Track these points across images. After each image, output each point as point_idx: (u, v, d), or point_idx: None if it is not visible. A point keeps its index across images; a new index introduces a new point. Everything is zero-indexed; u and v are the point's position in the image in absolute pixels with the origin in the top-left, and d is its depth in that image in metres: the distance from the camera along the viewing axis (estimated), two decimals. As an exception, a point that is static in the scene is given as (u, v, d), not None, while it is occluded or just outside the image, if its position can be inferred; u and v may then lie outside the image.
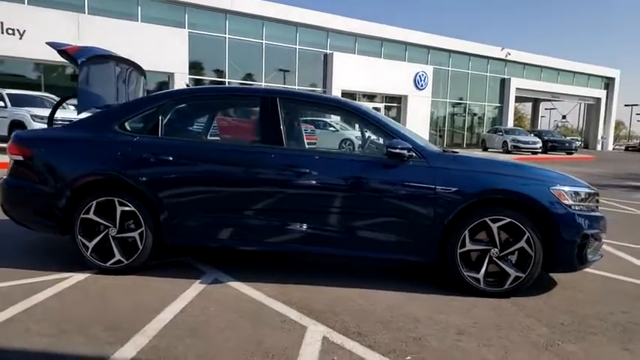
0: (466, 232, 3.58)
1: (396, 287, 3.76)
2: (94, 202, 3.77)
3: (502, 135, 27.56)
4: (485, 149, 28.32)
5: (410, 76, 28.40)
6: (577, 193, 3.66)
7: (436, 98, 30.71)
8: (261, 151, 3.76)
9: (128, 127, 3.92)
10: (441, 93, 31.11)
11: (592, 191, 3.80)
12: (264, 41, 24.00)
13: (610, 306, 3.53)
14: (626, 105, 71.04)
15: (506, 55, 34.05)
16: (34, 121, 11.31)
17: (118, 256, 3.79)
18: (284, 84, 24.95)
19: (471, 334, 2.96)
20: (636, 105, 75.20)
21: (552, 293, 3.77)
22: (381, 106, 28.07)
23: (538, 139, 26.70)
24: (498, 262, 3.60)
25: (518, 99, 38.48)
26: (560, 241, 3.54)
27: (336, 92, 25.50)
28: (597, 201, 3.84)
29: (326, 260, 4.48)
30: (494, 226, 3.56)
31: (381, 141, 4.32)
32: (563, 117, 50.33)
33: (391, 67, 27.53)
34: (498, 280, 3.62)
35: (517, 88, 35.08)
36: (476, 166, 3.72)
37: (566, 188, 3.64)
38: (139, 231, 3.77)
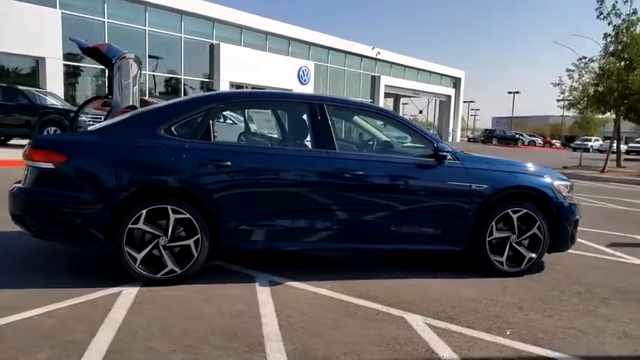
0: (493, 222, 4.17)
1: (433, 275, 4.22)
2: (144, 211, 3.58)
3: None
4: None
5: (294, 71, 29.10)
6: (567, 186, 4.49)
7: (317, 93, 31.89)
8: (316, 155, 3.91)
9: (175, 132, 3.77)
10: (321, 88, 32.37)
11: (570, 183, 4.66)
12: (147, 28, 22.64)
13: (597, 276, 4.42)
14: (464, 102, 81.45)
15: (377, 54, 36.63)
16: None
17: (170, 266, 3.65)
18: (170, 74, 23.83)
19: (529, 308, 3.55)
20: (472, 102, 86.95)
21: (548, 270, 4.54)
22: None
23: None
24: (516, 246, 4.26)
25: (386, 95, 41.65)
26: (561, 227, 4.33)
27: (223, 84, 25.11)
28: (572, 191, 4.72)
29: (355, 256, 4.77)
30: (515, 217, 4.21)
31: (391, 142, 4.75)
32: (420, 112, 55.66)
33: (277, 61, 27.92)
34: (516, 262, 4.29)
35: (385, 85, 38.00)
36: (498, 166, 4.35)
37: (563, 182, 4.45)
38: (195, 238, 3.67)
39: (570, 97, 18.81)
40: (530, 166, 4.53)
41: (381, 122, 4.44)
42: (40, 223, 3.65)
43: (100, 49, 3.87)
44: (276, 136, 4.44)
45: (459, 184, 4.10)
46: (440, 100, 49.20)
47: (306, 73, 29.70)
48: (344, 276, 4.08)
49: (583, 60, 16.93)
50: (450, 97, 48.13)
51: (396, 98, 51.18)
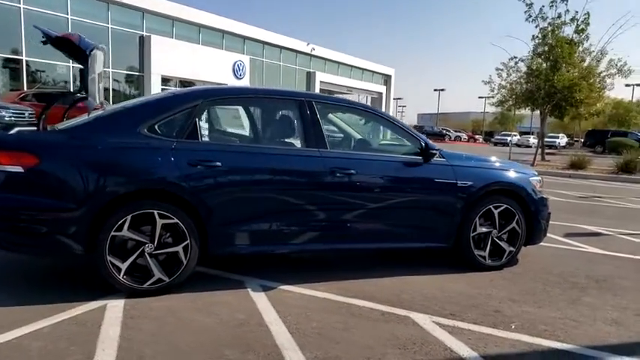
0: (477, 218, 4.27)
1: (417, 271, 4.22)
2: (129, 217, 3.28)
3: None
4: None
5: (229, 65, 28.44)
6: (539, 181, 4.69)
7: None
8: (308, 155, 3.79)
9: (159, 131, 3.48)
10: (257, 83, 31.89)
11: (541, 178, 4.87)
12: (69, 16, 21.12)
13: (567, 266, 4.65)
14: (394, 98, 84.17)
15: (312, 50, 36.70)
16: None
17: (158, 275, 3.39)
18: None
19: (522, 301, 3.66)
20: (400, 99, 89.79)
21: (522, 263, 4.69)
22: (202, 94, 27.45)
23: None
24: (497, 241, 4.39)
25: (321, 91, 41.86)
26: (536, 220, 4.51)
27: (155, 78, 24.06)
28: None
29: (338, 255, 4.68)
30: (496, 212, 4.33)
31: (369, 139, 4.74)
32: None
33: (211, 55, 27.15)
34: (497, 256, 4.42)
35: (321, 82, 38.16)
36: (479, 163, 4.45)
37: (536, 177, 4.65)
38: (184, 244, 3.43)
39: (498, 95, 19.96)
40: (506, 163, 4.69)
41: (370, 120, 4.39)
42: (9, 234, 3.23)
43: (72, 39, 3.50)
44: (265, 134, 4.23)
45: (446, 181, 4.14)
46: (372, 97, 50.24)
47: (241, 68, 29.14)
48: (333, 277, 3.99)
49: (514, 59, 18.04)
50: (381, 94, 49.27)
51: (330, 94, 51.63)
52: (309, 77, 37.18)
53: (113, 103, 5.91)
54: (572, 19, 16.75)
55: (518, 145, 45.79)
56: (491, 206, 4.31)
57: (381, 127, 5.16)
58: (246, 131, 4.31)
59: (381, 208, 4.00)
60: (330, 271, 4.15)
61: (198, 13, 27.04)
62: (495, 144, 48.64)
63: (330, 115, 4.71)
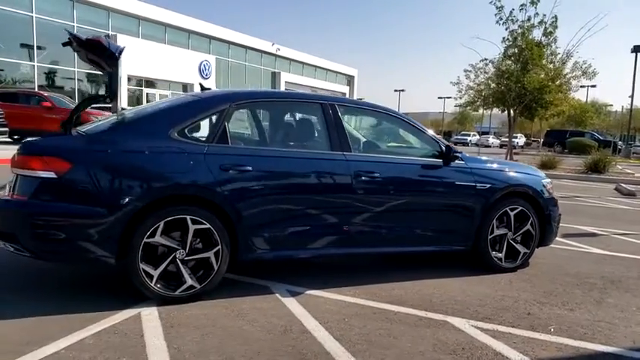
0: (494, 220, 4.29)
1: (436, 274, 4.21)
2: (162, 222, 3.14)
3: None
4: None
5: (195, 65, 27.90)
6: (550, 183, 4.77)
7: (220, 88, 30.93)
8: (334, 158, 3.72)
9: (189, 135, 3.36)
10: (222, 83, 31.46)
11: (550, 180, 4.95)
12: (34, 14, 20.18)
13: (579, 267, 4.73)
14: (357, 99, 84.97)
15: (277, 51, 36.48)
16: None
17: (189, 282, 3.26)
18: (61, 65, 21.48)
19: (548, 303, 3.68)
20: (362, 99, 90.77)
21: (534, 264, 4.73)
22: (168, 93, 26.76)
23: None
24: (512, 243, 4.43)
25: (287, 92, 41.68)
26: (548, 222, 4.58)
27: (121, 78, 23.23)
28: None
29: (352, 259, 4.62)
30: (512, 214, 4.37)
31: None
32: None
33: (177, 54, 26.52)
34: (512, 258, 4.46)
35: (286, 82, 37.97)
36: (495, 166, 4.48)
37: (547, 180, 4.72)
38: (215, 250, 3.30)
39: (466, 96, 20.37)
40: (518, 165, 4.75)
41: (390, 123, 4.35)
42: (42, 242, 3.06)
43: (102, 41, 3.38)
44: (290, 138, 4.11)
45: (466, 184, 4.15)
46: (336, 98, 50.44)
47: (207, 67, 28.61)
48: (356, 281, 3.93)
49: (484, 61, 18.49)
50: (345, 94, 49.53)
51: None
52: (274, 77, 36.94)
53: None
54: (541, 22, 17.34)
55: (477, 145, 47.02)
56: (507, 208, 4.34)
57: (382, 128, 5.15)
58: (271, 135, 4.18)
59: (406, 211, 3.97)
60: (350, 275, 4.08)
61: (164, 12, 26.39)
62: (455, 144, 49.62)
63: (350, 118, 4.68)
